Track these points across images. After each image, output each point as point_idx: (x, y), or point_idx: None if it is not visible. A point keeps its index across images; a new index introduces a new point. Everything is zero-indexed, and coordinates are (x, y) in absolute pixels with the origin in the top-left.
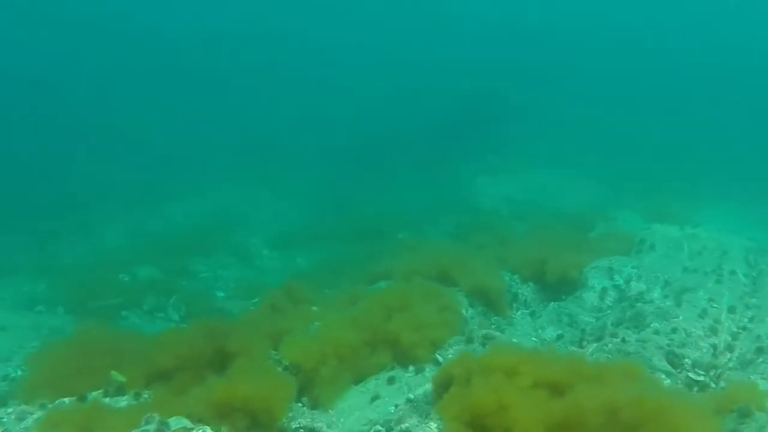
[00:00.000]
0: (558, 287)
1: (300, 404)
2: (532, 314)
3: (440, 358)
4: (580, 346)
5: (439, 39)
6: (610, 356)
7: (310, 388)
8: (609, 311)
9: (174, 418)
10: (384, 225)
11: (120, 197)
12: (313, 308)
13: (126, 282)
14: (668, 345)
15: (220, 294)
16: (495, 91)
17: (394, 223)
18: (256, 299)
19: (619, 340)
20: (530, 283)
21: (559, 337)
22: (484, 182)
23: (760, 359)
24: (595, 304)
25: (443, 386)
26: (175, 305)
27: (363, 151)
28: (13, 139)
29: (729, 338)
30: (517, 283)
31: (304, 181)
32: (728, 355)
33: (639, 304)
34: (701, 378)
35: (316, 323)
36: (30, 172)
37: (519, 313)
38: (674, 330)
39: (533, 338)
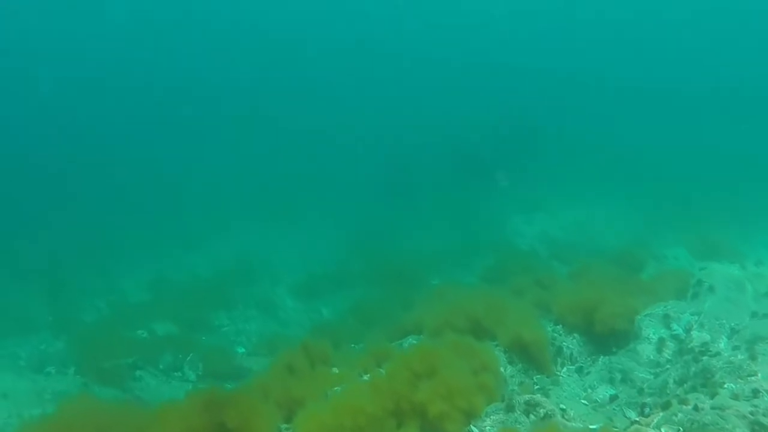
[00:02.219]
0: (607, 338)
1: None
2: (580, 371)
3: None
4: (642, 414)
5: (468, 68)
6: (681, 429)
7: None
8: (669, 366)
9: None
10: (413, 268)
11: (141, 245)
12: (333, 370)
13: (143, 338)
14: (752, 413)
15: (241, 350)
16: (525, 123)
17: (425, 265)
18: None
19: (690, 407)
20: (576, 335)
21: (613, 398)
22: (518, 220)
23: None
24: (652, 357)
25: None
26: (191, 363)
27: (390, 188)
28: (31, 186)
29: None
30: (560, 335)
31: (329, 219)
32: None
33: (705, 357)
34: None
35: (336, 388)
36: (49, 220)
37: (565, 369)
38: (756, 393)
39: (583, 400)
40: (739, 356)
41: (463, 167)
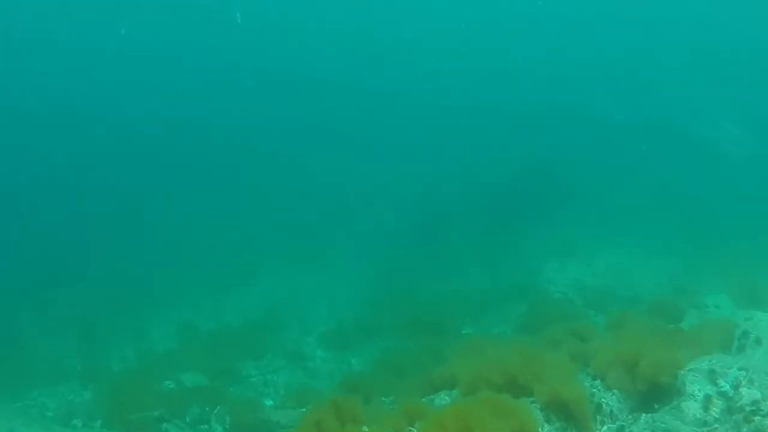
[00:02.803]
0: (649, 395)
1: None
2: (621, 429)
3: None
4: None
5: (494, 111)
6: None
7: None
8: (717, 425)
9: None
10: (445, 316)
11: (170, 292)
12: (364, 429)
13: (170, 389)
14: None
15: (269, 402)
16: (555, 164)
17: (455, 313)
18: (305, 408)
19: None
20: (615, 390)
21: None
22: (551, 267)
23: None
24: (698, 416)
25: None
26: (219, 416)
27: (420, 234)
28: (62, 233)
29: None
30: (599, 390)
31: (359, 267)
32: None
33: (757, 417)
34: None
35: None
36: (79, 268)
37: (605, 428)
38: None
39: None
40: None
41: (492, 211)
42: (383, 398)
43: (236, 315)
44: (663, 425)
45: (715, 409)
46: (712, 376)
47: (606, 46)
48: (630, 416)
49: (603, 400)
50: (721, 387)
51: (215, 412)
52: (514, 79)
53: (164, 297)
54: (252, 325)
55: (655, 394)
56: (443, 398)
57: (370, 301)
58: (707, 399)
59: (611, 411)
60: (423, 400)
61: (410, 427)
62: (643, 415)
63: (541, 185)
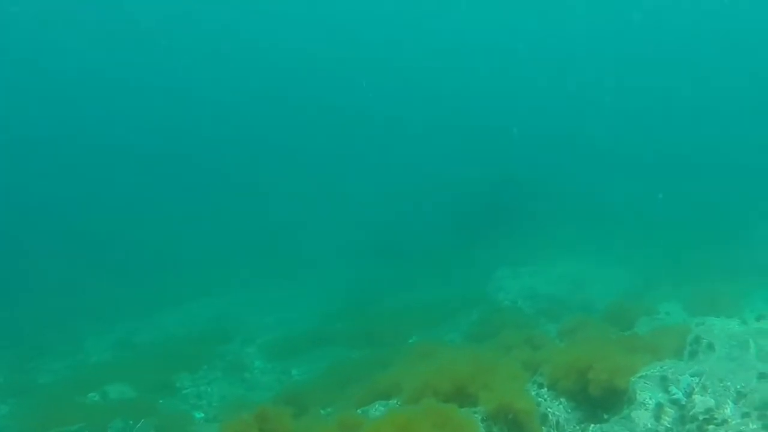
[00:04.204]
0: (598, 404)
1: None
2: None
3: None
4: None
5: (454, 128)
6: None
7: None
8: None
9: None
10: (396, 326)
11: (114, 305)
12: None
13: (94, 403)
14: None
15: (199, 415)
16: (513, 180)
17: (407, 323)
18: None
19: None
20: (563, 399)
21: None
22: (503, 275)
23: None
24: (650, 425)
25: None
26: (143, 430)
27: (376, 248)
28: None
29: None
30: (546, 400)
31: (312, 280)
32: None
33: (711, 426)
34: None
35: None
36: (20, 278)
37: None
38: None
39: None
40: (751, 425)
41: (451, 226)
42: (321, 410)
43: (180, 329)
44: None
45: (667, 418)
46: (664, 383)
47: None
48: (578, 427)
49: (549, 410)
50: (674, 394)
51: (139, 425)
52: (482, 98)
53: (107, 310)
54: (195, 337)
55: (605, 403)
56: (378, 409)
57: (324, 312)
58: (659, 407)
59: (557, 421)
60: (359, 411)
61: None
62: (592, 425)
63: (500, 199)
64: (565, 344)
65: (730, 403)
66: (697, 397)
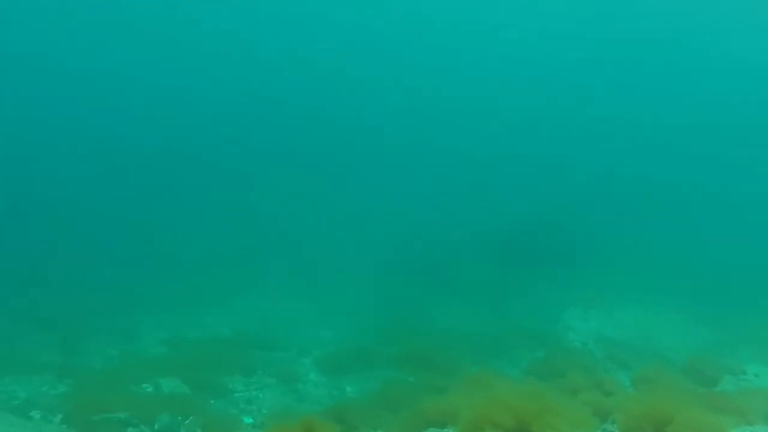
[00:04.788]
0: None
1: None
2: None
3: None
4: None
5: (518, 158)
6: None
7: None
8: None
9: None
10: (451, 353)
11: (167, 299)
12: None
13: (146, 393)
14: None
15: (247, 420)
16: (582, 217)
17: (463, 351)
18: None
19: None
20: None
21: None
22: (572, 315)
23: None
24: None
25: None
26: (189, 427)
27: (433, 270)
28: (60, 235)
29: None
30: None
31: (367, 297)
32: None
33: None
34: None
35: None
36: (76, 268)
37: None
38: None
39: None
40: None
41: (510, 255)
42: (371, 431)
43: (229, 329)
44: None
45: None
46: None
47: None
48: None
49: None
50: None
51: (186, 422)
52: (538, 129)
53: (160, 303)
54: (247, 339)
55: None
56: None
57: (375, 331)
58: None
59: None
60: None
61: None
62: None
63: (563, 234)
64: (639, 393)
65: None
66: None
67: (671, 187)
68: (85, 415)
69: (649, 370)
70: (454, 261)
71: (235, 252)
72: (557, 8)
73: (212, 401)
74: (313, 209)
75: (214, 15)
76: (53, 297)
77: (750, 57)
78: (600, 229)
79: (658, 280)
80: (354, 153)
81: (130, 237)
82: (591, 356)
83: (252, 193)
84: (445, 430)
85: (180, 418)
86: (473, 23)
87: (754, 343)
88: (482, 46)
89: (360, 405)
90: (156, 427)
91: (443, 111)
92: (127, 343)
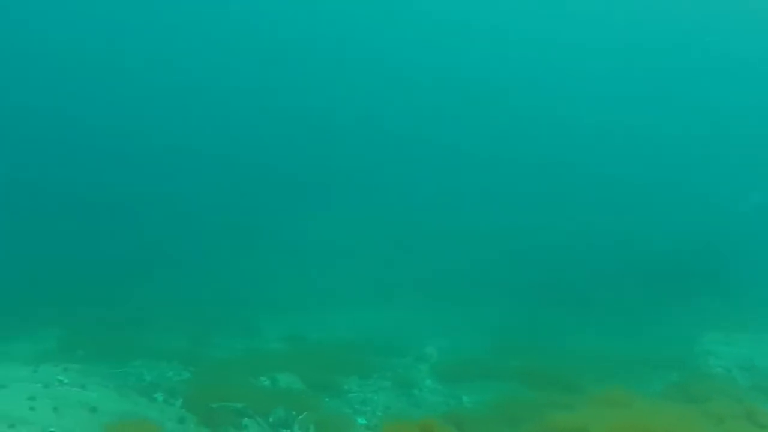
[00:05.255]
0: None
1: None
2: None
3: None
4: None
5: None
6: None
7: None
8: None
9: None
10: (579, 372)
11: (287, 299)
12: None
13: (263, 386)
14: None
15: (361, 421)
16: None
17: (588, 371)
18: None
19: None
20: None
21: None
22: (712, 339)
23: None
24: None
25: None
26: (303, 423)
27: (561, 287)
28: (190, 232)
29: None
30: None
31: (490, 308)
32: None
33: None
34: None
35: None
36: (203, 264)
37: None
38: None
39: None
40: None
41: (645, 276)
42: None
43: (350, 331)
44: None
45: None
46: None
47: None
48: None
49: None
50: None
51: (300, 417)
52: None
53: (282, 301)
54: (366, 344)
55: None
56: None
57: (498, 344)
58: None
59: None
60: None
61: None
62: None
63: (703, 256)
64: None
65: None
66: None
67: None
68: (205, 402)
69: None
70: (588, 280)
71: (360, 258)
72: None
73: (327, 400)
74: (444, 219)
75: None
76: (184, 289)
77: None
78: (746, 250)
79: None
80: (494, 165)
81: (258, 235)
82: (734, 384)
83: (381, 198)
84: None
85: (294, 413)
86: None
87: None
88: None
89: (478, 414)
90: (271, 419)
91: (587, 132)
92: (250, 337)
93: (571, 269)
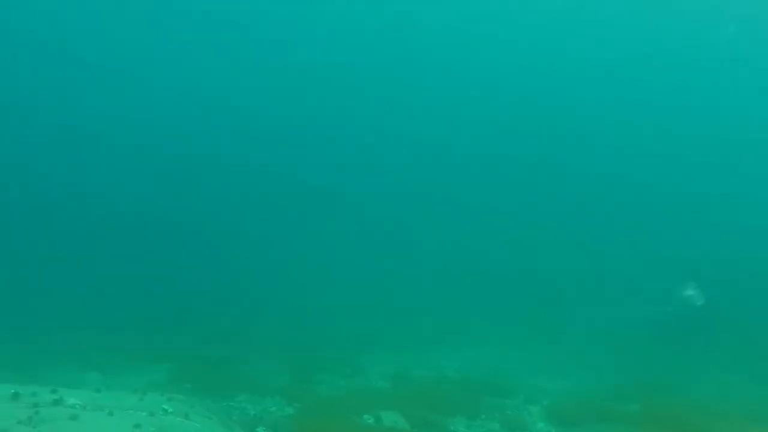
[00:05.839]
0: None
1: None
2: None
3: None
4: None
5: None
6: None
7: None
8: None
9: None
10: (700, 416)
11: (392, 338)
12: None
13: (366, 424)
14: None
15: None
16: None
17: (715, 416)
18: None
19: None
20: None
21: None
22: None
23: None
24: None
25: None
26: None
27: (683, 328)
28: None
29: None
30: None
31: (603, 347)
32: None
33: None
34: None
35: None
36: (307, 303)
37: None
38: None
39: None
40: None
41: None
42: None
43: (454, 371)
44: None
45: None
46: None
47: None
48: None
49: None
50: None
51: None
52: None
53: (387, 340)
54: (472, 382)
55: None
56: None
57: (614, 386)
58: None
59: None
60: None
61: None
62: None
63: None
64: None
65: None
66: None
67: None
68: None
69: None
70: (713, 315)
71: (464, 295)
72: None
73: None
74: (554, 253)
75: None
76: (288, 326)
77: None
78: None
79: None
80: (610, 193)
81: (362, 273)
82: None
83: (490, 235)
84: None
85: None
86: None
87: None
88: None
89: None
90: None
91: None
92: (354, 375)
93: (701, 310)
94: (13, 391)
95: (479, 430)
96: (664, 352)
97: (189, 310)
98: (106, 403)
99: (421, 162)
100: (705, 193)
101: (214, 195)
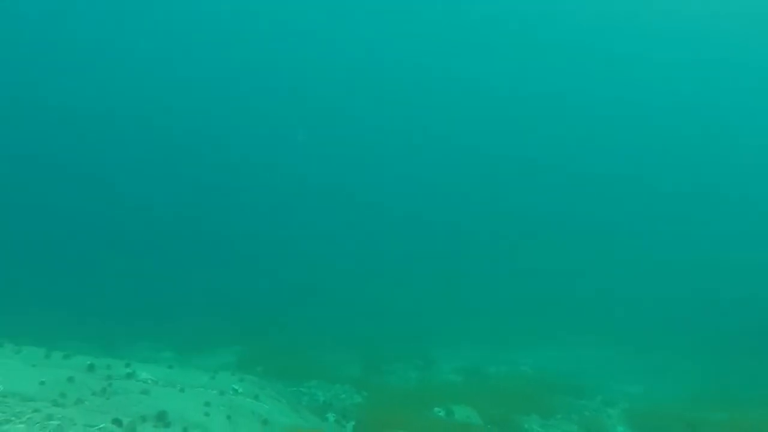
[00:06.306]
0: None
1: None
2: None
3: None
4: None
5: None
6: None
7: None
8: None
9: None
10: None
11: (466, 334)
12: None
13: (438, 418)
14: None
15: None
16: None
17: None
18: None
19: None
20: None
21: None
22: None
23: None
24: None
25: None
26: None
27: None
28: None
29: None
30: None
31: (688, 356)
32: None
33: None
34: None
35: None
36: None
37: None
38: None
39: None
40: None
41: None
42: None
43: (533, 368)
44: None
45: None
46: None
47: None
48: None
49: None
50: None
51: None
52: None
53: (461, 335)
54: (546, 382)
55: None
56: None
57: (699, 394)
58: None
59: None
60: None
61: None
62: None
63: None
64: None
65: None
66: None
67: None
68: (377, 427)
69: None
70: None
71: (543, 295)
72: None
73: None
74: (636, 256)
75: None
76: (361, 316)
77: None
78: None
79: None
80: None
81: (437, 266)
82: None
83: (569, 232)
84: None
85: None
86: None
87: None
88: None
89: None
90: None
91: None
92: (425, 368)
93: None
94: (89, 362)
95: (555, 430)
96: (750, 362)
97: (263, 298)
98: (177, 380)
99: (499, 170)
100: None
101: (292, 189)
